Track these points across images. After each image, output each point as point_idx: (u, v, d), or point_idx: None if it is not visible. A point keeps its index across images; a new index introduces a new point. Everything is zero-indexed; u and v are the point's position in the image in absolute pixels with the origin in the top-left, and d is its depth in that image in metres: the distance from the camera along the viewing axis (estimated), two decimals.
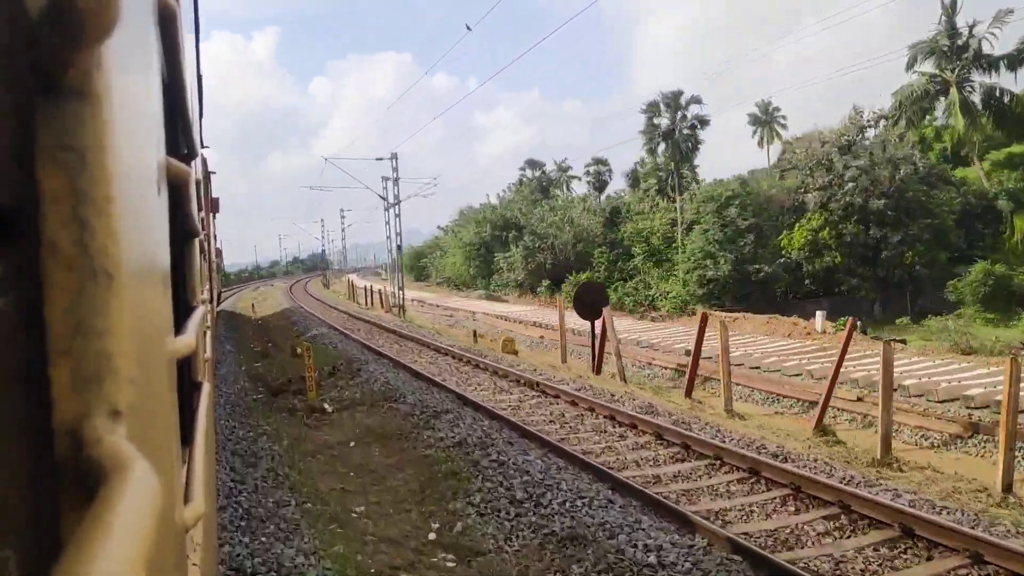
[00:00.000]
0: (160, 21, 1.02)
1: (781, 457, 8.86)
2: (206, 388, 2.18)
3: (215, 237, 14.31)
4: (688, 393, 13.68)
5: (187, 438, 1.51)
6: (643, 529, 6.49)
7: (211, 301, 4.87)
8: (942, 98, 35.14)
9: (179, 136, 1.69)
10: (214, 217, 11.53)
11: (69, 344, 0.46)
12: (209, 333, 3.41)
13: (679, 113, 39.65)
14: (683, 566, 5.79)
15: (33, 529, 0.45)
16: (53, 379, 0.45)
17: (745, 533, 6.68)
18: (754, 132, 57.63)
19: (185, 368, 1.72)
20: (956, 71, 33.99)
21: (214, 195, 12.38)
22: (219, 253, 26.50)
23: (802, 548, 6.50)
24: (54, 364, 0.45)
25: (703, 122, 39.90)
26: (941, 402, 12.08)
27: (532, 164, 61.49)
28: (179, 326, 1.43)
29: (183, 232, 1.87)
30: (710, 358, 14.91)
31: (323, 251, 78.60)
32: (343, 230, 70.67)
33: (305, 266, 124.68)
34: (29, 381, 0.45)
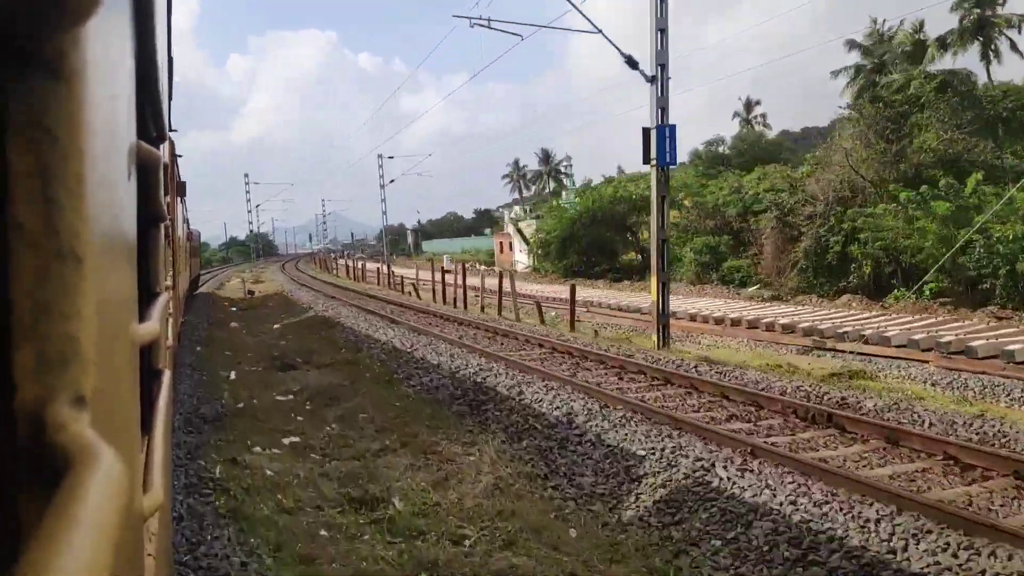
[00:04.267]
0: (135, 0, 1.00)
1: None
2: (167, 376, 2.14)
3: (186, 221, 14.06)
4: None
5: (147, 426, 1.49)
6: None
7: (175, 287, 4.82)
8: None
9: (149, 119, 1.65)
10: (182, 201, 11.29)
11: (34, 326, 0.45)
12: (171, 320, 3.34)
13: None
14: None
15: None
16: (16, 362, 0.44)
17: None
18: None
19: (147, 355, 1.68)
20: None
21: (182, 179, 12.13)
22: (196, 236, 26.63)
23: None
24: (17, 346, 0.44)
25: None
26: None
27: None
28: (143, 312, 1.40)
29: (149, 217, 1.84)
30: None
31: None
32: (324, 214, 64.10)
33: (245, 249, 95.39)
34: None
